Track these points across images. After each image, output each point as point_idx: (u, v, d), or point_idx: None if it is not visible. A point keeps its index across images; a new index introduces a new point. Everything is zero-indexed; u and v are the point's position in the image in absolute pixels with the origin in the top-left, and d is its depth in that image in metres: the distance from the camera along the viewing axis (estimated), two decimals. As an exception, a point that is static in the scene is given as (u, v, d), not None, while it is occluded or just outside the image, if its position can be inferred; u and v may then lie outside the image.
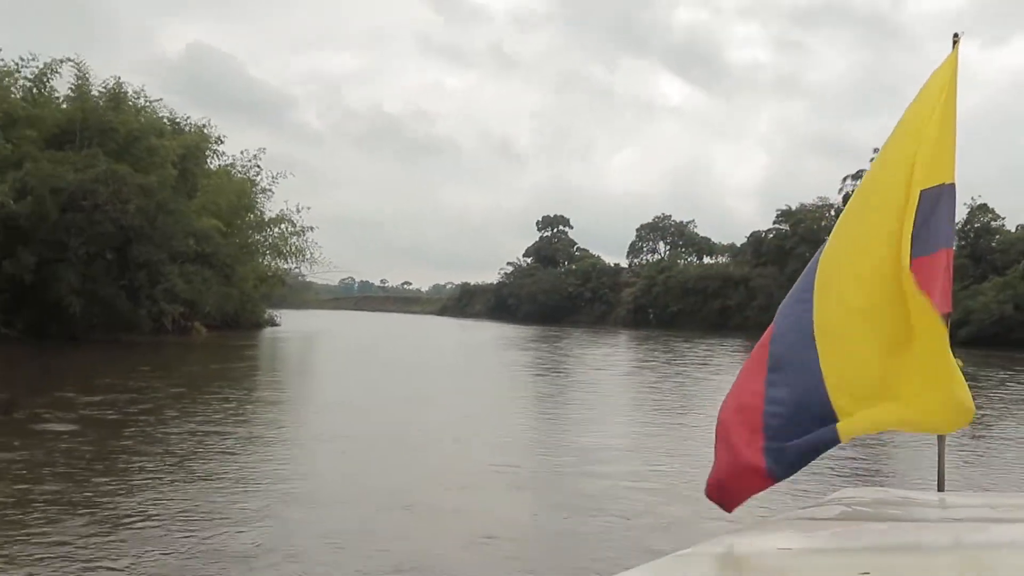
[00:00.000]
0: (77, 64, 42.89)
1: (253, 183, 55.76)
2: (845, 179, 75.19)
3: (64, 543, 8.07)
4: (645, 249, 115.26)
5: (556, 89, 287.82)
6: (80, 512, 9.22)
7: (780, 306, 3.55)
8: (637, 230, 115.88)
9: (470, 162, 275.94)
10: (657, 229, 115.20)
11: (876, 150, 3.92)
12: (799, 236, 74.02)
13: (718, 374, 29.76)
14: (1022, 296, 53.56)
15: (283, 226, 57.06)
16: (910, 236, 3.21)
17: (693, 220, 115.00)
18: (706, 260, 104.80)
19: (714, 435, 3.42)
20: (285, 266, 59.47)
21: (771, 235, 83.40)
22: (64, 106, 42.68)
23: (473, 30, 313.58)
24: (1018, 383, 29.43)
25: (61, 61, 42.60)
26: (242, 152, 57.37)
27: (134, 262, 35.21)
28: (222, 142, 54.22)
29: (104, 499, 9.79)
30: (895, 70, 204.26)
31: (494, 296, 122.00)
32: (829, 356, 3.22)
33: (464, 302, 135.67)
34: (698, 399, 22.65)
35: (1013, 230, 65.35)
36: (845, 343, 3.24)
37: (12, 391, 20.25)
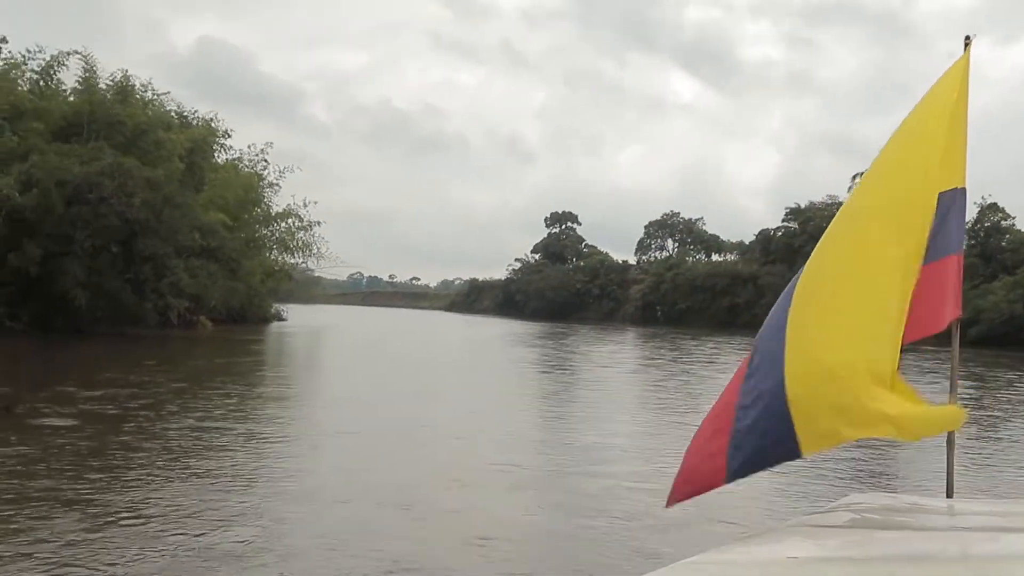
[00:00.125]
0: (84, 57, 42.89)
1: (260, 177, 55.75)
2: (854, 177, 74.58)
3: (52, 541, 7.94)
4: (653, 246, 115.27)
5: (565, 86, 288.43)
6: (71, 509, 9.09)
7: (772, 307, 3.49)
8: (645, 227, 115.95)
9: (479, 158, 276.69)
10: (666, 226, 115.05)
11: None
12: (808, 234, 73.60)
13: (724, 373, 29.54)
14: (1032, 296, 53.23)
15: (290, 221, 57.10)
16: (926, 240, 3.15)
17: (702, 217, 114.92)
18: (715, 258, 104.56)
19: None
20: (292, 261, 59.53)
21: (780, 233, 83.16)
22: (71, 99, 42.59)
23: (483, 26, 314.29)
24: (1026, 384, 29.22)
25: (68, 54, 42.63)
26: (249, 146, 57.47)
27: (139, 256, 35.14)
28: (229, 136, 54.34)
29: (96, 496, 9.67)
30: (906, 68, 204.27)
31: (502, 292, 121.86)
32: (795, 359, 3.17)
33: (472, 298, 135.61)
34: (703, 398, 22.46)
35: (1023, 229, 65.04)
36: (814, 346, 3.18)
37: (14, 386, 20.20)
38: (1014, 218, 65.91)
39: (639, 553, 8.36)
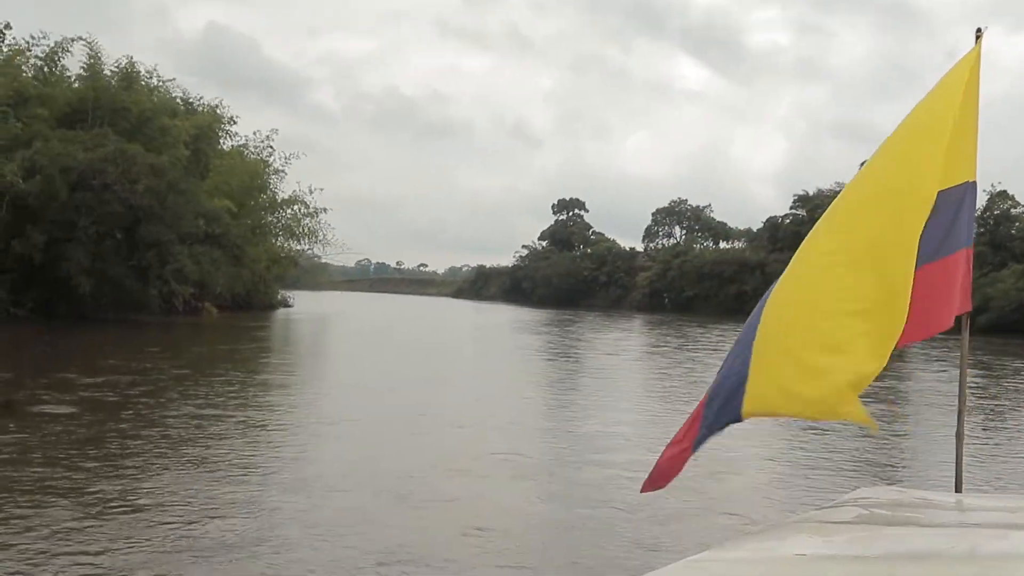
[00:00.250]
0: (89, 43, 42.75)
1: (266, 164, 55.58)
2: (862, 164, 74.21)
3: (43, 530, 7.85)
4: (661, 233, 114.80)
5: (572, 71, 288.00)
6: (65, 498, 9.00)
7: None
8: (653, 214, 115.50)
9: (486, 145, 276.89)
10: (673, 213, 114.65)
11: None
12: (816, 221, 72.99)
13: (730, 360, 29.36)
14: (1043, 285, 52.96)
15: (296, 207, 56.92)
16: (918, 240, 3.06)
17: (709, 205, 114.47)
18: (722, 245, 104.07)
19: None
20: (298, 247, 59.36)
21: (788, 220, 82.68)
22: (76, 85, 42.45)
23: (490, 12, 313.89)
24: (1034, 372, 29.01)
25: (72, 40, 42.45)
26: (255, 133, 57.38)
27: (143, 242, 35.05)
28: (235, 122, 54.10)
29: (91, 485, 9.57)
30: (915, 55, 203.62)
31: (509, 279, 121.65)
32: (763, 344, 3.20)
33: (479, 285, 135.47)
34: (706, 386, 22.27)
35: (1034, 217, 64.74)
36: (785, 334, 3.20)
37: (16, 372, 20.16)
38: (1023, 206, 65.61)
39: (639, 545, 8.23)
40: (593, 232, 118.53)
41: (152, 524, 8.20)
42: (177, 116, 45.51)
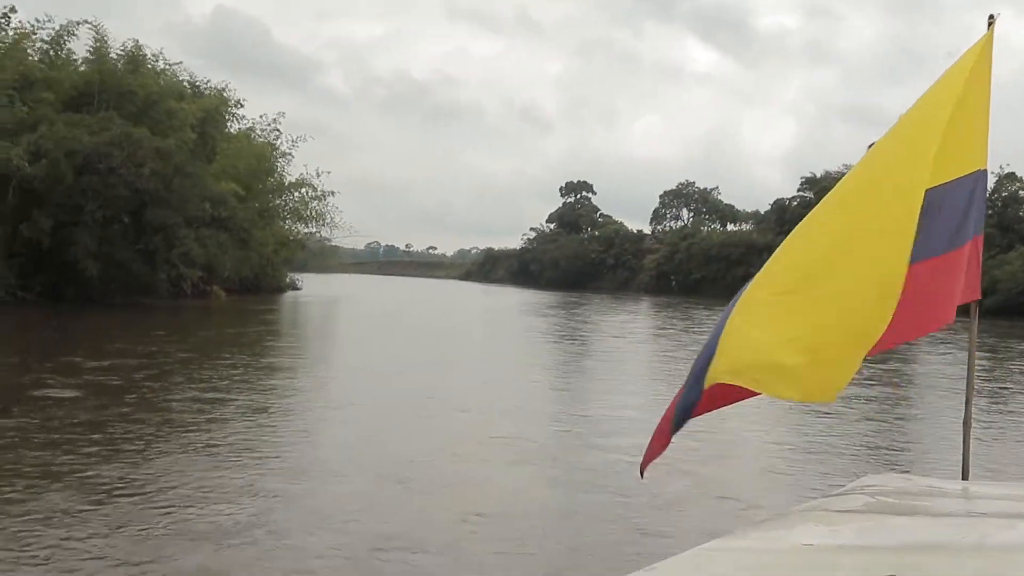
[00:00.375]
0: (95, 26, 42.56)
1: (273, 147, 55.44)
2: (869, 146, 74.04)
3: (39, 516, 7.82)
4: (668, 216, 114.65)
5: (581, 55, 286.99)
6: (63, 483, 8.97)
7: None
8: (660, 197, 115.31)
9: (495, 128, 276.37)
10: (681, 196, 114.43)
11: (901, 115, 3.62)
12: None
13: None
14: (1050, 267, 52.80)
15: (304, 190, 56.75)
16: (911, 240, 2.98)
17: (717, 187, 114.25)
18: (730, 227, 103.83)
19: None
20: (306, 230, 59.21)
21: (795, 203, 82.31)
22: (82, 69, 42.31)
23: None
24: (1039, 355, 28.89)
25: (78, 23, 42.27)
26: (261, 116, 57.27)
27: (150, 226, 34.97)
28: (242, 105, 53.96)
29: (90, 470, 9.53)
30: (923, 39, 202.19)
31: (517, 261, 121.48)
32: (732, 331, 3.12)
33: (488, 267, 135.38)
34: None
35: (1042, 199, 64.46)
36: (758, 317, 3.12)
37: (22, 356, 20.19)
38: (1031, 188, 65.40)
39: (638, 530, 8.18)
40: (601, 215, 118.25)
41: (150, 508, 8.17)
42: (184, 99, 45.38)
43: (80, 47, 42.69)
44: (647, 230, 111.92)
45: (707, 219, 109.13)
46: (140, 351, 20.38)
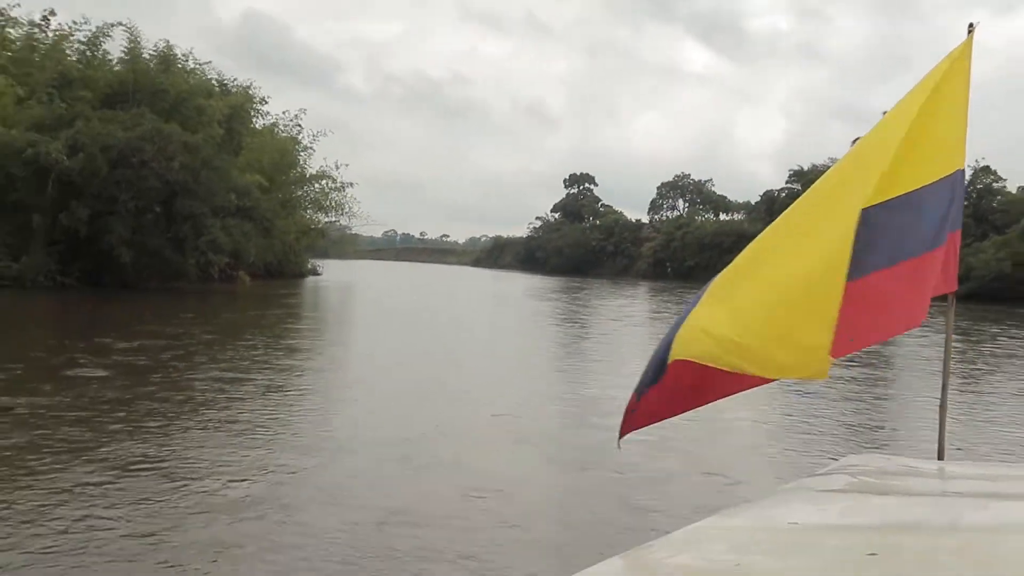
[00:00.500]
0: (129, 28, 42.44)
1: (296, 142, 55.27)
2: (854, 141, 73.67)
3: (65, 490, 7.74)
4: (665, 206, 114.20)
5: (587, 55, 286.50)
6: (89, 459, 8.88)
7: None
8: (658, 188, 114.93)
9: (504, 123, 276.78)
10: (677, 187, 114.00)
11: (884, 113, 3.53)
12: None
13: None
14: (1020, 255, 52.69)
15: (324, 182, 56.61)
16: (847, 256, 2.86)
17: (711, 179, 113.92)
18: (722, 217, 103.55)
19: None
20: (326, 219, 59.02)
21: (784, 194, 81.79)
22: (117, 68, 42.16)
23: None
24: (1008, 338, 28.66)
25: (112, 25, 42.14)
26: (284, 112, 57.10)
27: (179, 215, 34.81)
28: (266, 102, 53.75)
29: (114, 446, 9.45)
30: (907, 39, 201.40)
31: (524, 249, 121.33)
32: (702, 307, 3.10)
33: (496, 254, 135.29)
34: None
35: (1014, 191, 64.18)
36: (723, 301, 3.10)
37: (59, 337, 20.15)
38: (1005, 180, 65.12)
39: (629, 506, 8.07)
40: (602, 205, 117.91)
41: (167, 483, 8.08)
42: (212, 97, 45.22)
43: (115, 48, 42.66)
44: (645, 219, 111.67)
45: (701, 209, 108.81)
46: (168, 333, 20.29)
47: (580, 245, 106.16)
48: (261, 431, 10.59)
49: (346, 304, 40.79)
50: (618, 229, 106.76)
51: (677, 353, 2.94)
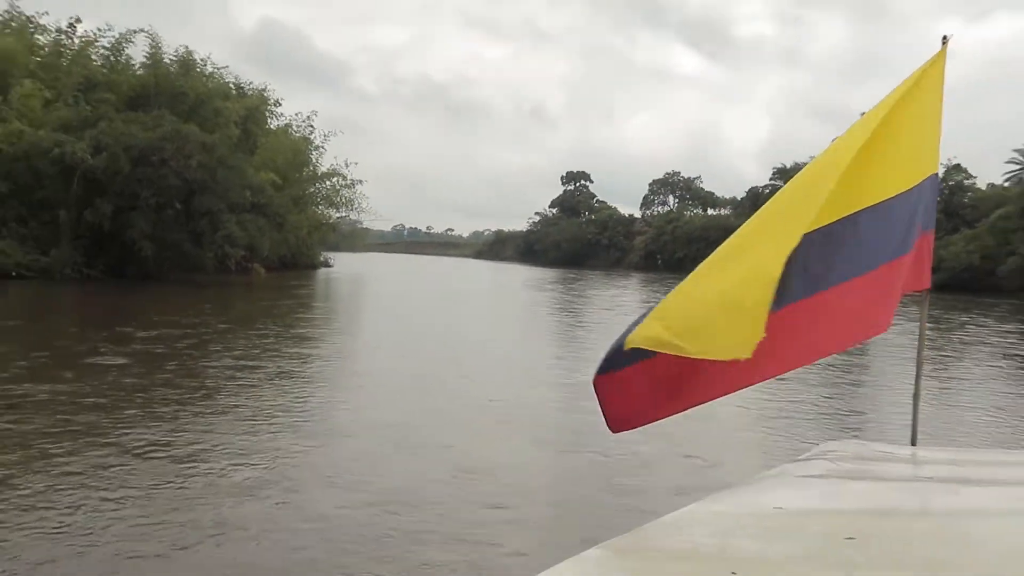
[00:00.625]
0: (151, 34, 42.31)
1: (308, 141, 55.09)
2: (833, 140, 73.35)
3: (78, 472, 7.68)
4: (656, 202, 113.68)
5: (583, 59, 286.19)
6: (103, 443, 8.82)
7: None
8: (650, 185, 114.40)
9: (505, 124, 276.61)
10: (667, 184, 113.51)
11: (863, 114, 3.45)
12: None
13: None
14: (988, 247, 52.70)
15: (335, 179, 56.43)
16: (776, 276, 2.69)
17: (699, 176, 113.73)
18: (710, 212, 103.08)
19: None
20: (337, 215, 58.86)
21: (768, 190, 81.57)
22: (139, 72, 41.99)
23: (509, 5, 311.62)
24: (976, 326, 28.54)
25: (135, 31, 41.99)
26: (297, 113, 57.00)
27: (197, 211, 34.71)
28: (280, 104, 53.72)
29: (128, 431, 9.38)
30: (883, 43, 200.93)
31: (523, 242, 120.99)
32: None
33: (498, 247, 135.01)
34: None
35: (983, 188, 64.12)
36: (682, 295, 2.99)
37: (82, 326, 20.08)
38: (975, 178, 65.01)
39: (612, 487, 7.98)
40: (597, 201, 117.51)
41: (176, 467, 8.02)
42: (229, 99, 45.13)
43: (138, 53, 42.52)
44: (637, 214, 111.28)
45: (690, 205, 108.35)
46: (185, 322, 20.22)
47: (576, 239, 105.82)
48: (268, 416, 10.51)
49: (354, 295, 40.58)
50: (612, 223, 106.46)
51: (630, 342, 2.86)
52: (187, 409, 10.68)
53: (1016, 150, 61.10)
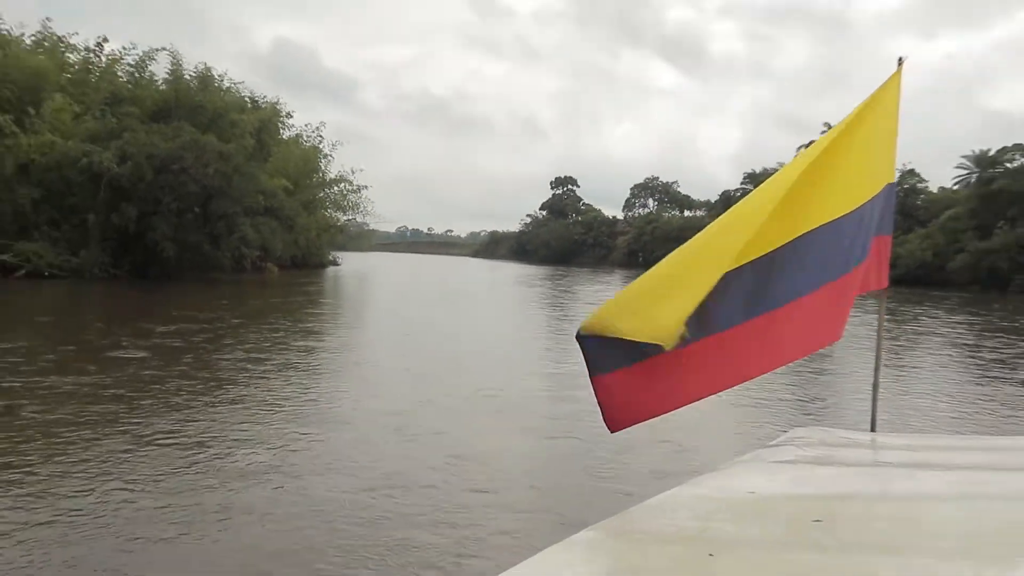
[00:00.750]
0: (172, 52, 42.08)
1: (318, 150, 54.80)
2: (799, 148, 73.53)
3: (93, 459, 7.54)
4: (637, 204, 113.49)
5: (570, 75, 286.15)
6: (119, 431, 8.68)
7: None
8: (631, 189, 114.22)
9: (500, 134, 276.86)
10: (647, 188, 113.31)
11: (826, 124, 3.37)
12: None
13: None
14: (939, 245, 53.06)
15: (342, 185, 56.18)
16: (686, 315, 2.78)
17: (677, 181, 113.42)
18: (686, 214, 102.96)
19: None
20: (345, 217, 58.57)
21: (739, 193, 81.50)
22: (162, 87, 41.71)
23: (504, 26, 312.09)
24: (929, 317, 28.47)
25: (158, 50, 41.76)
26: (307, 124, 56.75)
27: (215, 215, 34.45)
28: (291, 116, 53.54)
29: (143, 420, 9.23)
30: (845, 59, 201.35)
31: (516, 242, 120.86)
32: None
33: (493, 247, 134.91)
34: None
35: (935, 191, 64.31)
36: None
37: (106, 322, 19.90)
38: (928, 181, 65.26)
39: (591, 472, 7.85)
40: (583, 203, 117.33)
41: (186, 454, 7.86)
42: (244, 112, 44.88)
43: (160, 69, 42.25)
44: (620, 216, 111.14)
45: (668, 207, 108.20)
46: (201, 318, 20.03)
47: (564, 238, 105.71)
48: (274, 406, 10.37)
49: (359, 291, 40.36)
50: (597, 224, 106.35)
51: (584, 328, 2.86)
52: (199, 399, 10.53)
53: (964, 156, 61.08)
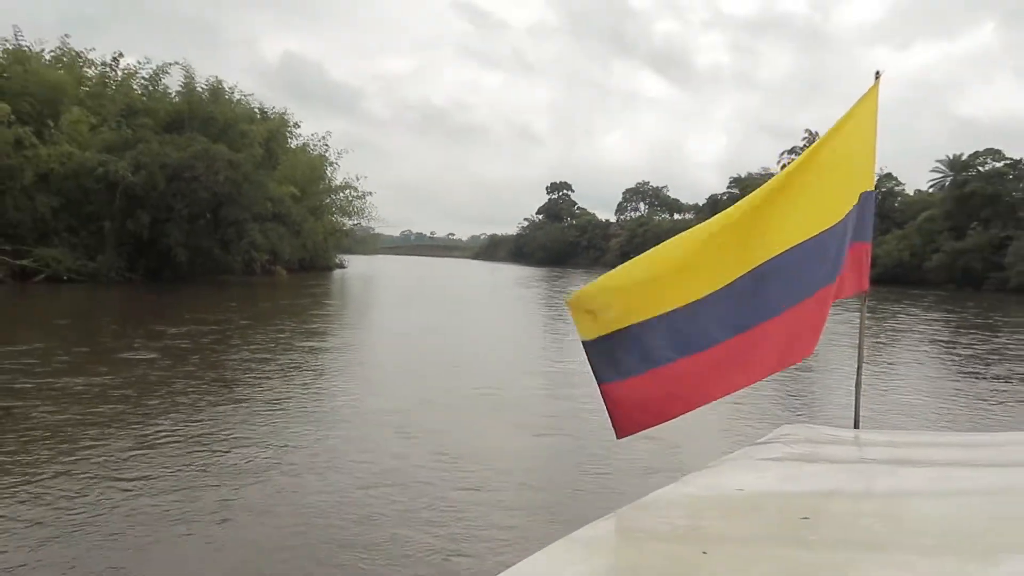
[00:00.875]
0: (185, 66, 41.84)
1: (324, 158, 54.57)
2: (782, 154, 74.07)
3: (95, 458, 7.37)
4: (629, 208, 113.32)
5: (564, 85, 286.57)
6: (124, 431, 8.51)
7: None
8: (623, 193, 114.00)
9: (499, 141, 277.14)
10: (639, 192, 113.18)
11: (807, 130, 3.27)
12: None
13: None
14: (916, 246, 53.15)
15: (348, 191, 55.93)
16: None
17: (667, 186, 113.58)
18: (676, 217, 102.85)
19: None
20: (350, 222, 58.27)
21: (726, 197, 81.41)
22: (175, 100, 41.49)
23: (500, 40, 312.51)
24: (907, 315, 28.36)
25: (171, 64, 41.54)
26: (313, 134, 56.49)
27: (225, 221, 34.24)
28: (298, 126, 53.00)
29: (148, 420, 9.06)
30: (825, 70, 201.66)
31: (514, 244, 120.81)
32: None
33: (492, 249, 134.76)
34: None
35: (911, 194, 64.37)
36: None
37: (120, 324, 19.72)
38: (904, 184, 65.38)
39: (582, 469, 7.69)
40: (577, 207, 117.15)
41: (190, 453, 7.70)
42: (254, 122, 44.59)
43: (173, 82, 42.01)
44: (613, 219, 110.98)
45: (659, 210, 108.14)
46: (211, 319, 19.84)
47: (560, 241, 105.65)
48: (277, 405, 10.19)
49: (364, 292, 40.17)
50: (591, 227, 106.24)
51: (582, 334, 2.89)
52: (204, 399, 10.34)
53: (938, 160, 61.24)
